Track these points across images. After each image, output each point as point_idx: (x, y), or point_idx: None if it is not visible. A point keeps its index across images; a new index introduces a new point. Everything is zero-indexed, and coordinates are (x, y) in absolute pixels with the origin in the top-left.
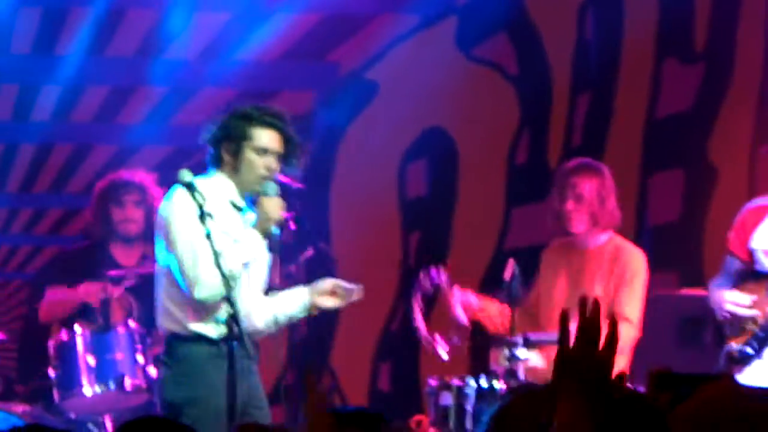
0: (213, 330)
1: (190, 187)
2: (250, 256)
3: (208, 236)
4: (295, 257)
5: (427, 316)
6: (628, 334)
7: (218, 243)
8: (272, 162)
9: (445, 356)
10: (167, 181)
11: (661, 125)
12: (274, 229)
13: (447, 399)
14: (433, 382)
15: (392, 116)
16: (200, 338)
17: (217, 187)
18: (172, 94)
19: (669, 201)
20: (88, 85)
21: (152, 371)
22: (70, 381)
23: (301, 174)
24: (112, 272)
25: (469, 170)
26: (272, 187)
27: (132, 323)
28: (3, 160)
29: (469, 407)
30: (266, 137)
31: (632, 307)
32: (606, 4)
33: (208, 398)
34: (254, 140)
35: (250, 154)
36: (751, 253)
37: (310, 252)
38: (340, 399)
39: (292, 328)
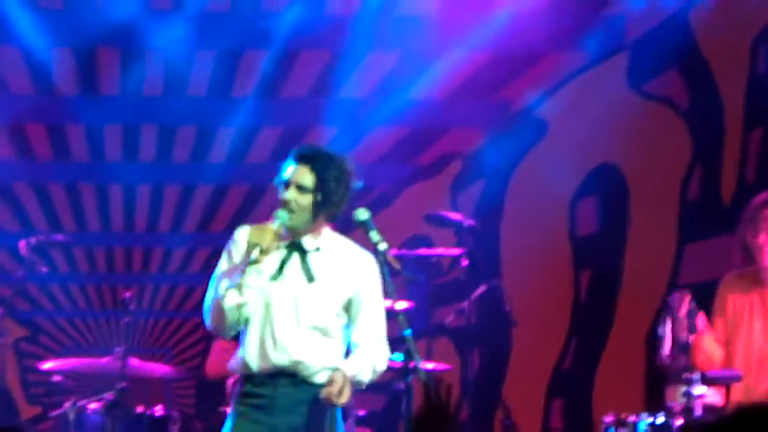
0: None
1: (364, 224)
2: (231, 282)
3: None
4: (467, 294)
5: None
6: None
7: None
8: (289, 193)
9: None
10: (341, 219)
11: None
12: (253, 255)
13: None
14: (608, 418)
15: (562, 153)
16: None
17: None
18: (344, 133)
19: None
20: (263, 127)
21: None
22: None
23: (473, 211)
24: None
25: (641, 207)
26: (279, 215)
27: None
28: (181, 201)
29: None
30: (289, 170)
31: None
32: None
33: None
34: (281, 175)
35: (279, 190)
36: None
37: (482, 289)
38: None
39: (464, 363)
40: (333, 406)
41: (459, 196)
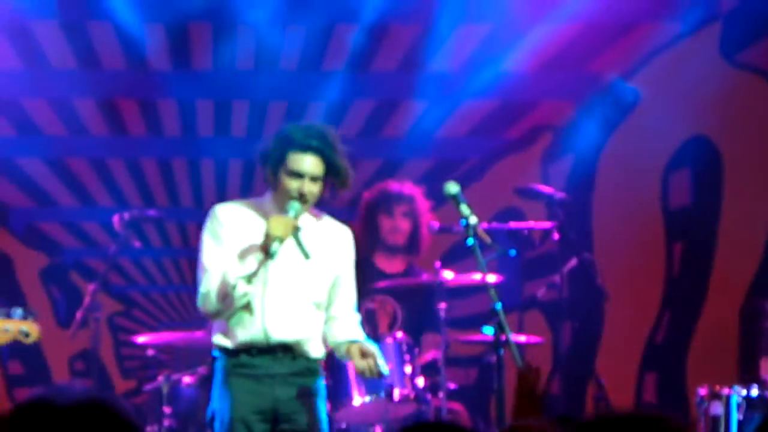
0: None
1: (455, 198)
2: (244, 271)
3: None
4: (558, 267)
5: None
6: None
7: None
8: (304, 185)
9: None
10: (432, 193)
11: None
12: (274, 248)
13: (717, 408)
14: (702, 391)
15: (655, 125)
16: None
17: (251, 207)
18: (435, 106)
19: None
20: (354, 101)
21: (420, 381)
22: (340, 391)
23: (565, 184)
24: (381, 283)
25: (734, 178)
26: (294, 207)
27: (399, 333)
28: None
29: (739, 417)
30: (300, 161)
31: None
32: None
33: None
34: (288, 164)
35: (284, 177)
36: None
37: (573, 262)
38: (607, 410)
39: (556, 337)
40: (381, 375)
41: (550, 168)
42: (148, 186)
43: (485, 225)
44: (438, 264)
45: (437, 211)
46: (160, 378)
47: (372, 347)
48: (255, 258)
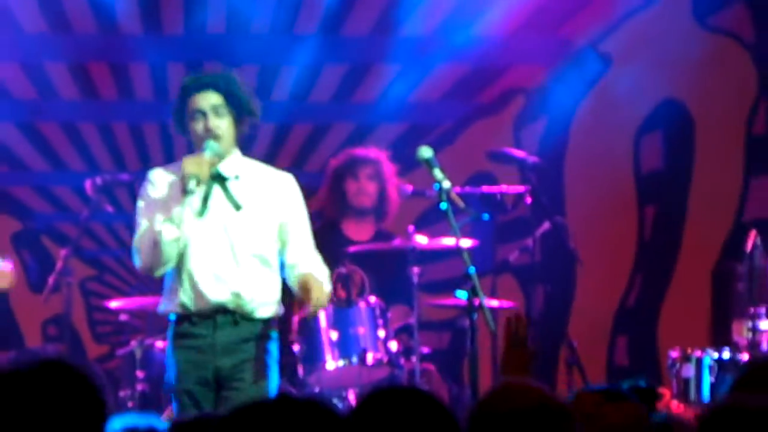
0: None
1: (428, 162)
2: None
3: None
4: (531, 231)
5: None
6: None
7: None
8: (209, 121)
9: None
10: (404, 157)
11: None
12: (190, 186)
13: (688, 371)
14: (674, 354)
15: (627, 88)
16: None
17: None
18: (407, 71)
19: None
20: (326, 65)
21: (393, 345)
22: (313, 355)
23: (537, 148)
24: (352, 248)
25: (706, 141)
26: (210, 146)
27: (372, 298)
28: (244, 139)
29: (711, 379)
30: (196, 100)
31: None
32: None
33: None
34: (188, 109)
35: (190, 124)
36: None
37: (546, 226)
38: (579, 373)
39: (528, 301)
40: (315, 311)
41: (522, 132)
42: (119, 150)
43: (458, 189)
44: (411, 228)
45: (410, 176)
46: (133, 342)
47: (309, 278)
48: (177, 204)
